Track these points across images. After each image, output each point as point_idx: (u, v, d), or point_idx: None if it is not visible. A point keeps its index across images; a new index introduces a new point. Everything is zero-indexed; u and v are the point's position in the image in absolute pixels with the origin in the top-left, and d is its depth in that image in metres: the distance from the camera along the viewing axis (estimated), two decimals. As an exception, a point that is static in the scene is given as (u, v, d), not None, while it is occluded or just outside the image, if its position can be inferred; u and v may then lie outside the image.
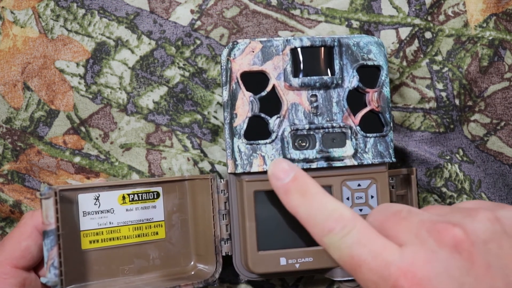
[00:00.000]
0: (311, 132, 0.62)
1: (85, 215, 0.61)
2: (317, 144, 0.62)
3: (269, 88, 0.62)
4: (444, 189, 0.69)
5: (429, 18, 0.70)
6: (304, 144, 0.63)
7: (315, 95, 0.63)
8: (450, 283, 0.39)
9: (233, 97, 0.62)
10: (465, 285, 0.39)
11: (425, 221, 0.43)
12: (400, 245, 0.42)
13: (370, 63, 0.64)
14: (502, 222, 0.42)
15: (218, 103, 0.69)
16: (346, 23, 0.69)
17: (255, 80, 0.63)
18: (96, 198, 0.61)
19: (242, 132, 0.62)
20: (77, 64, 0.68)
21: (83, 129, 0.68)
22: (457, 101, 0.69)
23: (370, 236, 0.43)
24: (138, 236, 0.63)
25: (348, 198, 0.63)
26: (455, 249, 0.40)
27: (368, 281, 0.42)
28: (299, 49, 0.62)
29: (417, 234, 0.42)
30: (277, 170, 0.48)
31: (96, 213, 0.61)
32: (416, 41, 0.70)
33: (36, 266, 0.61)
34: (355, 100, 0.63)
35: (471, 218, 0.42)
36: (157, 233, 0.64)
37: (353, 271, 0.43)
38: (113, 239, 0.62)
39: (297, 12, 0.69)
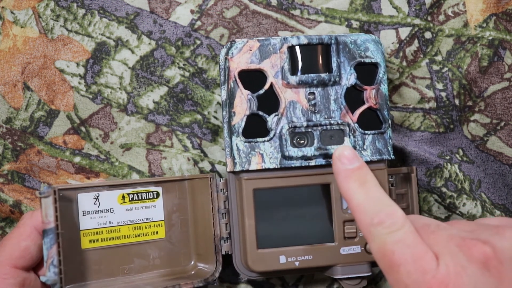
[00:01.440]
0: (309, 130, 0.62)
1: (84, 214, 0.61)
2: (315, 141, 0.62)
3: (267, 86, 0.62)
4: (444, 189, 0.69)
5: (429, 18, 0.70)
6: (302, 141, 0.63)
7: (313, 93, 0.63)
8: None
9: (231, 96, 0.62)
10: None
11: (455, 236, 0.44)
12: (436, 256, 0.43)
13: (367, 60, 0.64)
14: None
15: (218, 103, 0.69)
16: (346, 23, 0.69)
17: (253, 79, 0.63)
18: (96, 197, 0.61)
19: (241, 130, 0.62)
20: (77, 64, 0.68)
21: (83, 129, 0.68)
22: (457, 101, 0.69)
23: (416, 240, 0.44)
24: (138, 235, 0.63)
25: None
26: (484, 265, 0.42)
27: (401, 282, 0.43)
28: (296, 47, 0.63)
29: (448, 248, 0.43)
30: (343, 154, 0.50)
31: (95, 213, 0.61)
32: (416, 41, 0.70)
33: (36, 266, 0.61)
34: (353, 97, 0.64)
35: (499, 236, 0.43)
36: (157, 233, 0.64)
37: (389, 268, 0.43)
38: (113, 238, 0.62)
39: (297, 12, 0.70)
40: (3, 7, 0.68)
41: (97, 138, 0.69)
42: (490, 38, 0.70)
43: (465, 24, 0.70)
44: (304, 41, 0.62)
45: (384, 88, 0.64)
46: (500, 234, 0.44)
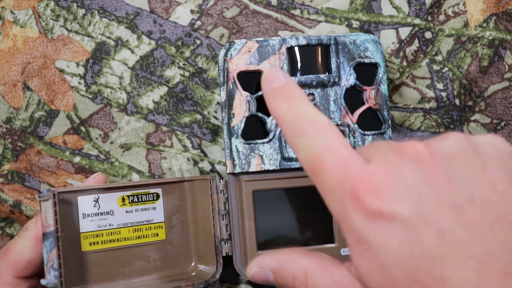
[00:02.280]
0: None
1: (84, 217, 0.61)
2: None
3: None
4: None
5: (429, 18, 0.70)
6: None
7: (313, 94, 0.63)
8: (406, 191, 0.38)
9: (230, 97, 0.62)
10: (423, 195, 0.37)
11: (393, 143, 0.41)
12: (367, 161, 0.40)
13: (367, 60, 0.64)
14: (473, 142, 0.40)
15: (218, 103, 0.69)
16: (346, 23, 0.69)
17: (252, 80, 0.63)
18: (96, 200, 0.61)
19: (240, 131, 0.62)
20: (77, 64, 0.68)
21: (83, 129, 0.68)
22: (457, 101, 0.69)
23: (341, 145, 0.41)
24: (138, 237, 0.63)
25: None
26: (414, 160, 0.39)
27: (326, 185, 0.40)
28: (295, 48, 0.63)
29: (380, 151, 0.41)
30: (270, 75, 0.47)
31: (95, 215, 0.61)
32: (416, 41, 0.70)
33: (40, 271, 0.61)
34: (353, 98, 0.63)
35: (439, 138, 0.41)
36: (157, 235, 0.64)
37: (313, 172, 0.41)
38: (113, 240, 0.62)
39: (297, 12, 0.69)
40: (3, 7, 0.68)
41: (97, 138, 0.69)
42: (490, 38, 0.69)
43: (466, 24, 0.70)
44: (303, 41, 0.62)
45: (384, 88, 0.64)
46: (443, 137, 0.41)
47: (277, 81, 0.46)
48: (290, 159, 0.62)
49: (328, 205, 0.41)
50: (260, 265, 0.47)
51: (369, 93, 0.63)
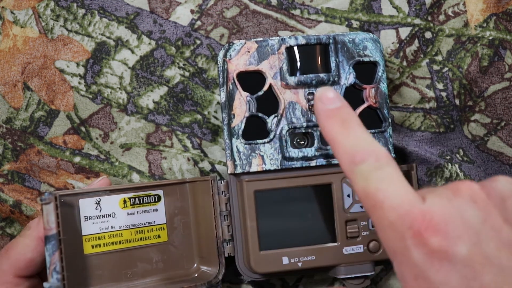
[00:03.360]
0: (309, 130, 0.63)
1: (86, 219, 0.61)
2: (316, 142, 0.63)
3: (265, 88, 0.63)
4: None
5: (429, 18, 0.70)
6: (303, 142, 0.63)
7: (312, 93, 0.63)
8: (465, 229, 0.39)
9: (230, 98, 0.62)
10: (482, 234, 0.39)
11: (443, 185, 0.43)
12: (422, 198, 0.42)
13: (366, 59, 0.64)
14: None
15: (218, 103, 0.69)
16: (346, 23, 0.69)
17: (251, 80, 0.63)
18: (97, 202, 0.61)
19: (240, 132, 0.62)
20: (77, 64, 0.68)
21: (83, 129, 0.68)
22: (457, 101, 0.70)
23: (400, 178, 0.42)
24: (141, 239, 0.63)
25: (348, 195, 0.63)
26: (471, 198, 0.41)
27: (385, 219, 0.41)
28: (294, 48, 0.63)
29: (436, 190, 0.42)
30: (325, 95, 0.47)
31: (97, 218, 0.61)
32: (416, 41, 0.70)
33: (41, 271, 0.61)
34: (353, 96, 0.63)
35: (491, 181, 0.43)
36: (159, 236, 0.64)
37: (373, 206, 0.42)
38: (115, 243, 0.62)
39: (297, 12, 0.69)
40: (3, 7, 0.68)
41: (97, 138, 0.69)
42: (490, 38, 0.70)
43: (465, 24, 0.70)
44: (302, 41, 0.62)
45: (383, 86, 0.64)
46: (493, 179, 0.43)
47: (332, 103, 0.47)
48: (291, 159, 0.62)
49: (384, 238, 0.42)
50: None
51: (369, 92, 0.63)
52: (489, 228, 0.40)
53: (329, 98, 0.47)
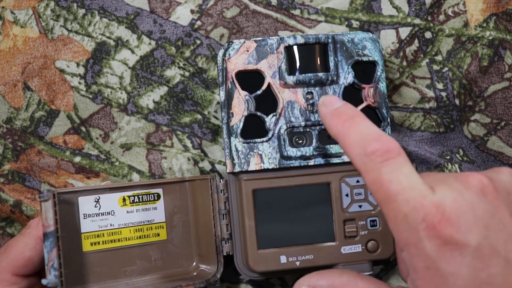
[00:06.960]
0: (308, 129, 0.63)
1: (85, 217, 0.61)
2: (314, 141, 0.63)
3: (264, 87, 0.63)
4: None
5: (429, 18, 0.70)
6: (301, 141, 0.63)
7: (311, 92, 0.63)
8: (476, 222, 0.40)
9: (229, 97, 0.62)
10: (490, 227, 0.40)
11: (450, 173, 0.44)
12: (432, 188, 0.42)
13: (365, 59, 0.64)
14: None
15: (218, 103, 0.69)
16: (346, 23, 0.69)
17: (250, 79, 0.63)
18: (97, 200, 0.61)
19: (239, 131, 0.62)
20: (77, 64, 0.68)
21: (83, 129, 0.68)
22: (457, 101, 0.70)
23: (411, 169, 0.43)
24: (140, 237, 0.63)
25: (347, 195, 0.63)
26: (481, 191, 0.42)
27: (399, 212, 0.42)
28: (293, 47, 0.63)
29: (444, 180, 0.43)
30: (327, 99, 0.49)
31: (96, 215, 0.61)
32: (416, 41, 0.70)
33: (40, 270, 0.61)
34: (351, 96, 0.63)
35: (496, 171, 0.44)
36: (158, 235, 0.64)
37: (386, 198, 0.42)
38: (114, 241, 0.62)
39: (297, 12, 0.69)
40: (3, 7, 0.68)
41: (97, 138, 0.69)
42: (490, 38, 0.70)
43: (465, 24, 0.70)
44: (301, 40, 0.63)
45: (382, 86, 0.64)
46: (497, 171, 0.44)
47: (336, 104, 0.48)
48: (290, 158, 0.62)
49: (395, 230, 0.43)
50: (312, 284, 0.49)
51: (368, 91, 0.63)
52: (497, 222, 0.41)
53: (332, 101, 0.49)
